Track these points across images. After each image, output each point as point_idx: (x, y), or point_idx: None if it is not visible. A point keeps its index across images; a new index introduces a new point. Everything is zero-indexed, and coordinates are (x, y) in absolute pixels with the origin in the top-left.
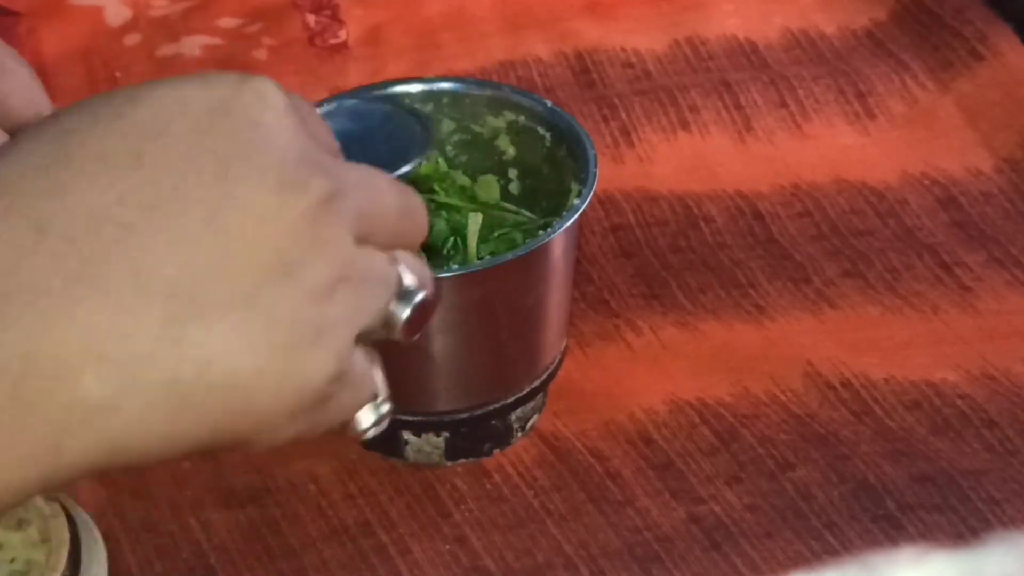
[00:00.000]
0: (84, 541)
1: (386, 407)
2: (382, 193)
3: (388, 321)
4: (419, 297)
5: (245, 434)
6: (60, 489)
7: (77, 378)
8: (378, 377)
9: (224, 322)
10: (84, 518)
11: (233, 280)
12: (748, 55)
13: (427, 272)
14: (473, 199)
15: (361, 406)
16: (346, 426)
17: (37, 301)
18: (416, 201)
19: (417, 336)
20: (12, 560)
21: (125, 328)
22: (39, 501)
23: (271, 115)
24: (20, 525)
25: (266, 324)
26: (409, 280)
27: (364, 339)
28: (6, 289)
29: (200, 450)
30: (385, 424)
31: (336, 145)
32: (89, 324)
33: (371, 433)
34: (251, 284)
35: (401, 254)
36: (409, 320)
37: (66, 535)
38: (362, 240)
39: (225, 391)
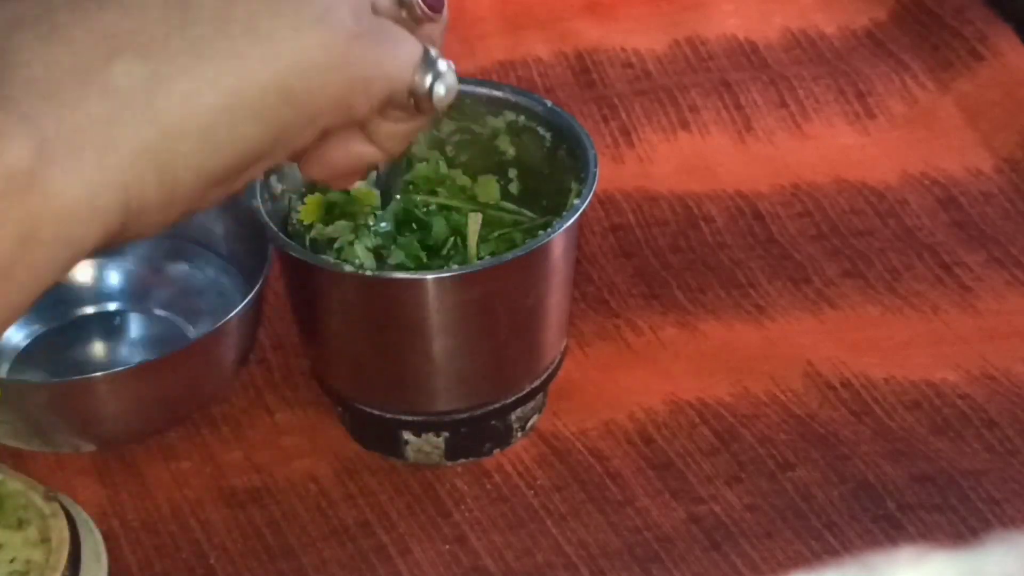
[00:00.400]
0: (84, 541)
1: (443, 64)
2: None
3: None
4: None
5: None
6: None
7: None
8: (431, 47)
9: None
10: (84, 518)
11: None
12: (748, 55)
13: None
14: (473, 199)
15: (409, 57)
16: (418, 93)
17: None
18: None
19: (439, 13)
20: (12, 560)
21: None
22: (39, 501)
23: None
24: (20, 525)
25: None
26: None
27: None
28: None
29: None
30: (453, 84)
31: None
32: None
33: (440, 89)
34: None
35: None
36: None
37: (66, 535)
38: None
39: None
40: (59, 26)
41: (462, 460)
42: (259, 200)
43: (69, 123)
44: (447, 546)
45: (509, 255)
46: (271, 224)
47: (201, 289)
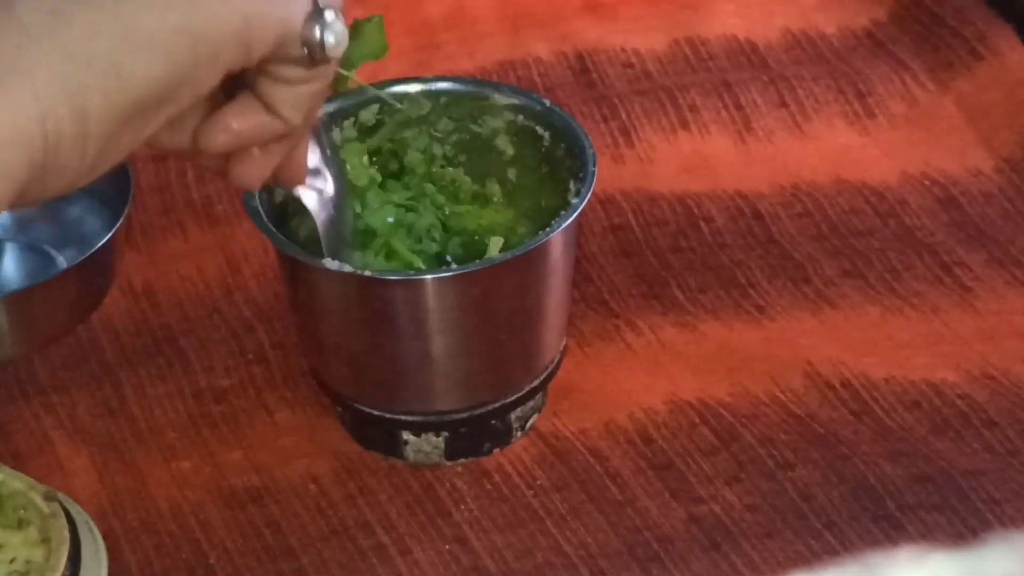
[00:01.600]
0: (84, 541)
1: (331, 17)
2: None
3: None
4: None
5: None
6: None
7: None
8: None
9: None
10: (84, 518)
11: None
12: (748, 55)
13: None
14: (456, 198)
15: (300, 9)
16: (307, 42)
17: None
18: None
19: None
20: (12, 560)
21: None
22: (39, 501)
23: None
24: (20, 525)
25: None
26: None
27: None
28: None
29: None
30: (341, 31)
31: None
32: None
33: (330, 39)
34: None
35: None
36: None
37: (66, 535)
38: None
39: None
40: None
41: (462, 460)
42: (258, 202)
43: None
44: (447, 546)
45: (508, 255)
46: (270, 226)
47: (70, 223)
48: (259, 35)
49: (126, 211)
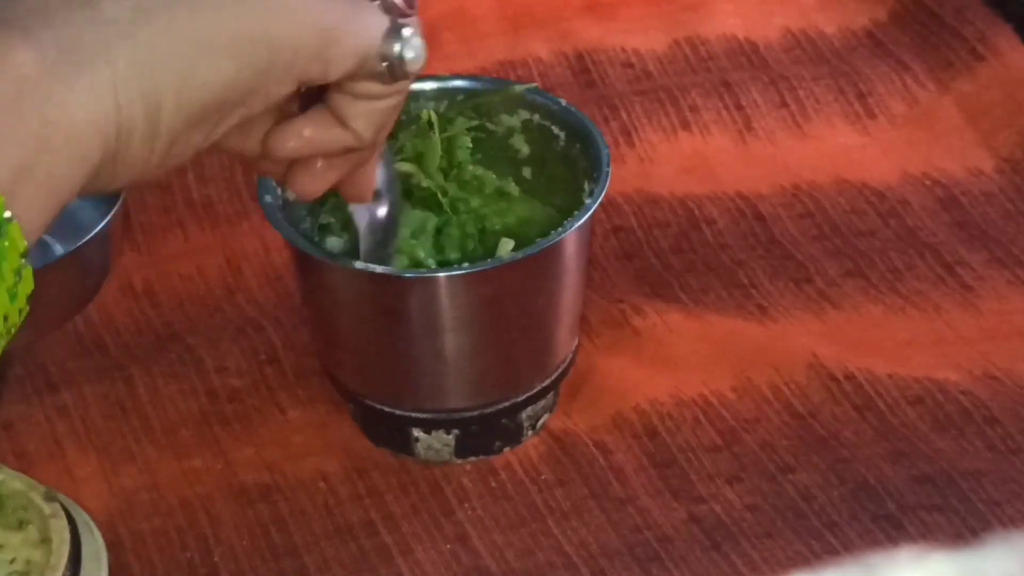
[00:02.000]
0: (84, 541)
1: (409, 32)
2: None
3: None
4: None
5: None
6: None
7: None
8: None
9: None
10: (84, 518)
11: None
12: (748, 55)
13: None
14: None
15: (379, 24)
16: (387, 57)
17: None
18: None
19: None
20: (12, 560)
21: None
22: (39, 501)
23: None
24: (20, 525)
25: None
26: None
27: None
28: None
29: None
30: (420, 47)
31: None
32: None
33: (408, 54)
34: None
35: None
36: None
37: (66, 535)
38: None
39: None
40: None
41: (472, 458)
42: (272, 197)
43: (67, 41)
44: (448, 545)
45: (521, 253)
46: (284, 222)
47: (67, 212)
48: (335, 51)
49: (121, 199)
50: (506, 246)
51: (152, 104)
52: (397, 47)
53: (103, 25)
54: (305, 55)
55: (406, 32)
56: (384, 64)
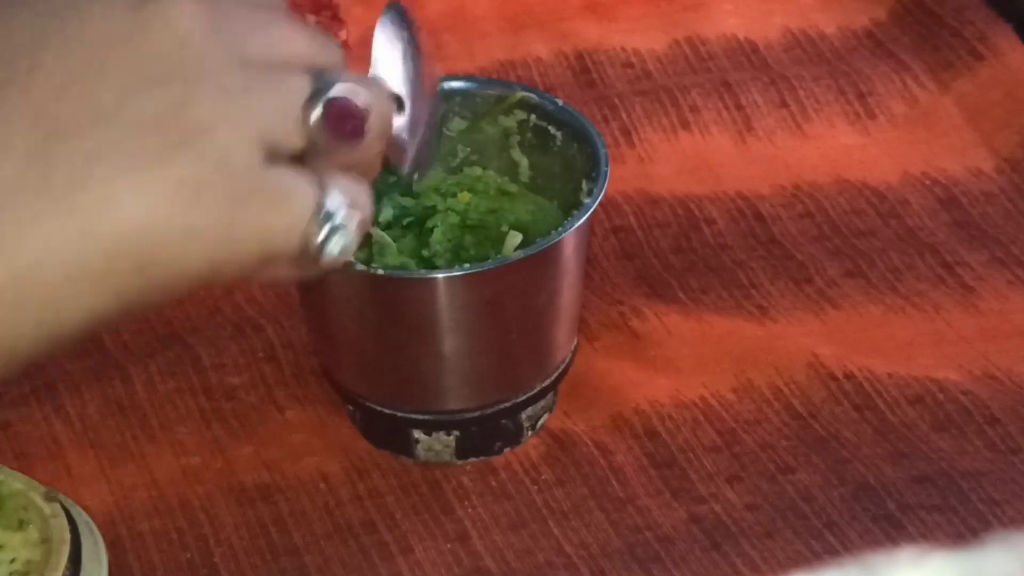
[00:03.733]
0: (84, 541)
1: (341, 217)
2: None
3: (303, 122)
4: (333, 94)
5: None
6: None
7: None
8: (332, 195)
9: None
10: (84, 518)
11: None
12: (748, 55)
13: (342, 74)
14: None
15: (297, 218)
16: (306, 251)
17: None
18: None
19: (358, 140)
20: (12, 560)
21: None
22: (39, 501)
23: None
24: (20, 525)
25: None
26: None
27: (276, 153)
28: None
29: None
30: (349, 242)
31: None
32: None
33: (333, 249)
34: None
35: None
36: (324, 118)
37: (66, 535)
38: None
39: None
40: None
41: (472, 459)
42: None
43: None
44: (448, 545)
45: (520, 254)
46: None
47: None
48: (231, 269)
49: None
50: (514, 239)
51: (6, 338)
52: (321, 235)
53: None
54: (192, 277)
55: (339, 219)
56: (299, 251)
